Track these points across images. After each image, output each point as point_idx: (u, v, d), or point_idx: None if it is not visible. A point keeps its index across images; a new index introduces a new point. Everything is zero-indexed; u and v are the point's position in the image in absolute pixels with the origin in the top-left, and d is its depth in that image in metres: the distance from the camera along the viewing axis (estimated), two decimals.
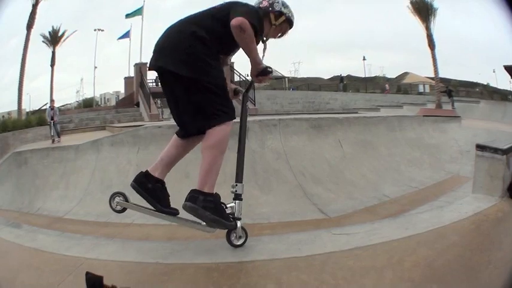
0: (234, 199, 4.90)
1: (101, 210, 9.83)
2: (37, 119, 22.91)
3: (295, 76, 48.29)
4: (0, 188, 14.04)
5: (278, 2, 4.53)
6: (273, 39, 4.87)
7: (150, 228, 8.45)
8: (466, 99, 31.14)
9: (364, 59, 41.82)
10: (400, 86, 37.05)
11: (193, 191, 4.65)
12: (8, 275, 5.08)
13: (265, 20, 4.52)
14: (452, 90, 30.15)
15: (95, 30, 38.68)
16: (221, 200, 4.85)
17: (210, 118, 4.46)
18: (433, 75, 31.32)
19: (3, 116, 26.87)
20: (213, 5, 4.50)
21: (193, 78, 4.26)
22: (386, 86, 35.78)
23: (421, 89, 37.28)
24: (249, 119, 12.56)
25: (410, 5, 30.22)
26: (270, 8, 4.52)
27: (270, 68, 4.57)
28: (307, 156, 10.23)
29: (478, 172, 6.59)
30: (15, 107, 27.32)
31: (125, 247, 6.57)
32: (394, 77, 41.94)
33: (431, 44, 29.67)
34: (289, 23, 4.72)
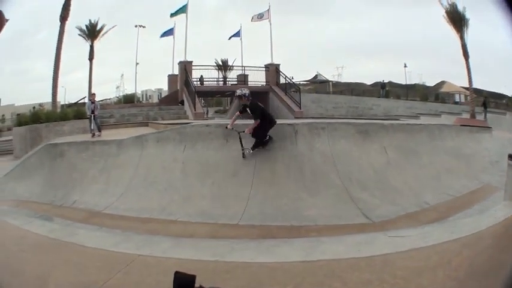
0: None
1: (142, 206, 10.06)
2: (74, 112, 23.04)
3: (339, 81, 48.25)
4: (30, 179, 14.06)
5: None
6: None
7: (195, 226, 8.69)
8: (495, 111, 31.03)
9: (405, 66, 41.73)
10: (438, 94, 36.88)
11: None
12: (39, 272, 5.12)
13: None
14: (487, 101, 30.05)
15: (136, 26, 38.81)
16: None
17: None
18: (467, 85, 31.26)
19: (34, 107, 27.17)
20: None
21: None
22: None
23: (457, 98, 37.14)
24: (298, 121, 12.71)
25: (445, 14, 30.24)
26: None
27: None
28: (353, 161, 10.38)
29: (510, 180, 6.85)
30: (47, 99, 27.65)
31: (180, 244, 6.71)
32: (432, 85, 41.74)
33: (466, 54, 29.58)
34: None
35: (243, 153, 10.37)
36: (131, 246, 6.42)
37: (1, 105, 39.31)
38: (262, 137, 10.43)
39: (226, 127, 10.49)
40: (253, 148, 10.41)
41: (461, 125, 16.61)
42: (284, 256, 5.50)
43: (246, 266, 4.94)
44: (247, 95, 10.49)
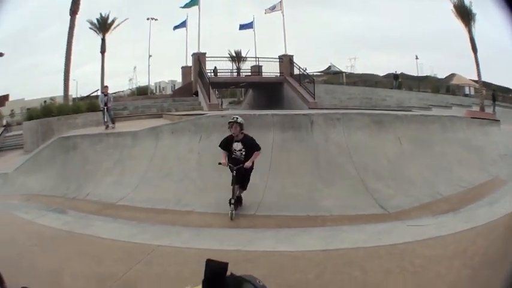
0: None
1: (158, 197, 10.06)
2: (87, 104, 22.97)
3: (352, 72, 48.07)
4: (42, 173, 14.06)
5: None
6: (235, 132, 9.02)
7: (211, 217, 8.72)
8: (502, 104, 30.96)
9: (416, 58, 41.61)
10: (449, 86, 36.79)
11: None
12: (54, 265, 5.11)
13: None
14: (496, 94, 29.94)
15: (148, 19, 38.73)
16: None
17: None
18: (476, 78, 31.26)
19: (45, 101, 27.20)
20: None
21: None
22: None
23: (467, 91, 37.00)
24: (313, 111, 12.67)
25: (453, 8, 30.23)
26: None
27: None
28: (369, 151, 10.41)
29: None
30: (58, 93, 27.67)
31: (199, 234, 6.73)
32: (443, 77, 41.51)
33: (474, 48, 29.57)
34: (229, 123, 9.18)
35: (232, 214, 8.59)
36: (149, 237, 6.42)
37: (10, 100, 39.32)
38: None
39: (220, 163, 8.97)
40: (236, 204, 8.79)
41: (471, 117, 16.61)
42: (304, 245, 5.52)
43: (267, 255, 4.96)
44: (243, 124, 9.16)
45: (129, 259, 5.17)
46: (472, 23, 29.79)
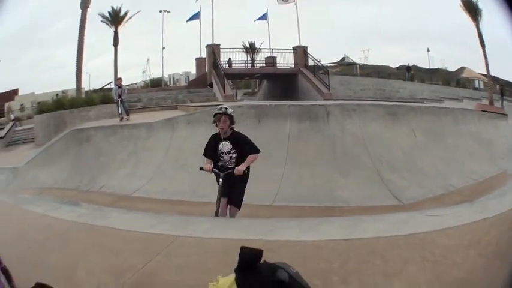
0: None
1: (173, 188, 10.10)
2: (100, 97, 22.91)
3: (365, 63, 48.10)
4: (54, 165, 14.13)
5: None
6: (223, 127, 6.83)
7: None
8: (509, 99, 31.04)
9: (428, 50, 41.71)
10: (459, 79, 36.81)
11: None
12: (68, 259, 4.96)
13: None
14: (504, 89, 29.93)
15: (160, 11, 38.77)
16: None
17: None
18: (485, 72, 31.33)
19: (57, 94, 27.27)
20: None
21: None
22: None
23: (476, 84, 37.05)
24: (329, 102, 12.67)
25: (461, 3, 30.38)
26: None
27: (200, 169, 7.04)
28: (383, 142, 10.43)
29: None
30: (69, 86, 27.74)
31: (219, 224, 6.72)
32: (454, 70, 41.60)
33: (482, 43, 29.67)
34: (215, 115, 6.92)
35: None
36: (168, 227, 6.35)
37: (20, 94, 39.42)
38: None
39: (201, 168, 6.90)
40: None
41: (481, 110, 16.70)
42: (327, 234, 5.54)
43: (290, 244, 4.96)
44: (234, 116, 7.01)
45: (148, 250, 5.05)
46: (479, 18, 29.88)
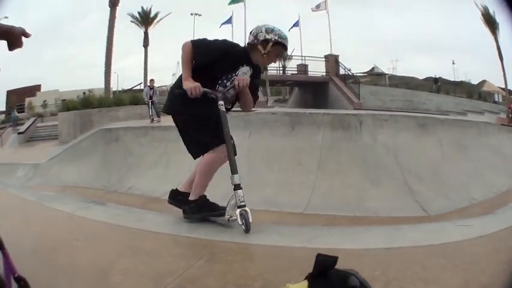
0: (234, 189, 4.91)
1: (205, 192, 10.09)
2: (129, 97, 23.22)
3: (394, 74, 48.41)
4: (81, 164, 14.26)
5: (261, 32, 4.47)
6: (275, 63, 5.14)
7: (259, 214, 8.15)
8: None
9: (453, 63, 41.95)
10: (480, 93, 36.87)
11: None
12: (101, 262, 4.55)
13: (256, 53, 4.48)
14: None
15: (191, 14, 39.13)
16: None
17: (201, 149, 4.81)
18: (503, 86, 31.50)
19: (84, 93, 27.53)
20: None
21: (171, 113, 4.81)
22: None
23: (496, 98, 37.10)
24: (361, 112, 12.74)
25: (482, 17, 30.48)
26: (256, 41, 4.46)
27: (181, 90, 4.34)
28: (412, 153, 10.52)
29: None
30: (94, 85, 28.00)
31: (262, 230, 6.78)
32: (476, 83, 41.83)
33: (501, 56, 29.74)
34: (278, 44, 4.53)
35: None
36: (209, 231, 6.38)
37: (42, 91, 39.89)
38: None
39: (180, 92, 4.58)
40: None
41: (501, 124, 16.83)
42: (368, 243, 5.64)
43: (333, 252, 5.02)
44: None
45: (189, 255, 4.93)
46: (497, 32, 29.94)
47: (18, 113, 32.96)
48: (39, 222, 6.63)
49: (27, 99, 38.51)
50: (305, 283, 1.89)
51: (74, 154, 14.90)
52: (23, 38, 2.19)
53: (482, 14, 30.80)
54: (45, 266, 4.43)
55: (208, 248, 5.25)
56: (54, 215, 7.12)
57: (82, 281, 4.13)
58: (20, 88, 40.11)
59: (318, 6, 33.10)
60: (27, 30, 2.17)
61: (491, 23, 30.30)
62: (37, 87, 40.33)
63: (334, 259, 1.91)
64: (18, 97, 38.61)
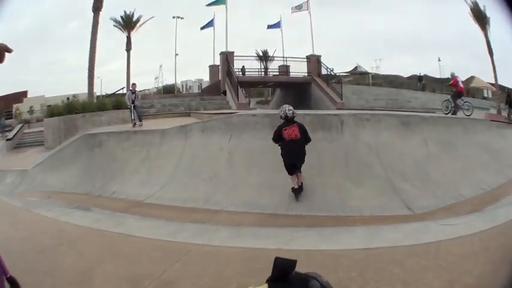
0: None
1: (187, 195, 10.13)
2: (112, 102, 23.08)
3: (377, 73, 48.52)
4: (66, 170, 14.14)
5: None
6: None
7: (241, 216, 8.72)
8: None
9: (439, 60, 42.06)
10: (469, 89, 36.94)
11: None
12: (83, 266, 4.96)
13: None
14: (511, 98, 29.88)
15: (173, 17, 39.23)
16: None
17: None
18: (493, 81, 31.45)
19: (68, 98, 27.45)
20: None
21: None
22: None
23: (485, 93, 37.22)
24: (343, 112, 12.74)
25: (470, 12, 30.59)
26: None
27: None
28: (396, 152, 10.47)
29: None
30: (79, 90, 27.97)
31: (239, 233, 6.74)
32: (464, 79, 42.01)
33: (490, 51, 29.80)
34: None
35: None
36: (186, 235, 6.37)
37: (29, 96, 39.78)
38: None
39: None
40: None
41: (490, 120, 16.80)
42: (346, 244, 5.59)
43: (309, 254, 5.00)
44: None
45: (166, 258, 5.08)
46: (488, 27, 30.00)
47: (6, 119, 32.91)
48: (26, 227, 6.76)
49: (14, 106, 38.45)
50: (265, 286, 1.82)
51: (58, 160, 14.84)
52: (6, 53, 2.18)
53: (472, 9, 30.85)
54: (32, 269, 4.52)
55: (185, 251, 5.30)
56: (40, 220, 7.21)
57: (66, 284, 4.41)
58: (7, 95, 40.11)
59: (298, 7, 33.14)
60: (9, 46, 2.14)
61: (481, 18, 30.35)
62: (24, 94, 40.24)
63: (293, 263, 1.86)
64: (6, 104, 38.58)
